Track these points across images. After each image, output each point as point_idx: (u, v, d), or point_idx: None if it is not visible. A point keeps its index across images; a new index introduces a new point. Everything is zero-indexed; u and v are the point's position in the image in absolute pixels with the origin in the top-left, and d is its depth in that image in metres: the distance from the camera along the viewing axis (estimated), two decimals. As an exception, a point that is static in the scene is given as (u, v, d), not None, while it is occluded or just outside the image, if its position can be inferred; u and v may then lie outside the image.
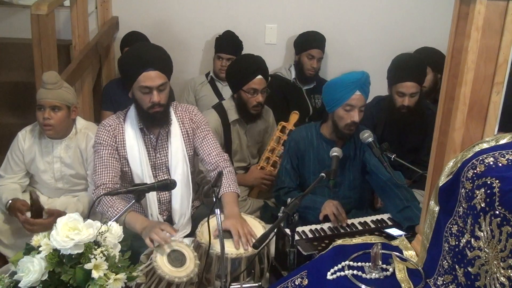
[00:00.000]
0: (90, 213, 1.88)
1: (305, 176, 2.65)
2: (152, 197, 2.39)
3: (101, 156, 2.33)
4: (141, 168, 2.37)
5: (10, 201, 2.53)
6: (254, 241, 2.02)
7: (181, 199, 2.41)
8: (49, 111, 2.52)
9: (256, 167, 3.07)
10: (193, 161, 2.54)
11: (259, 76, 2.87)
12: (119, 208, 2.14)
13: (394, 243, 1.93)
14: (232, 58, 3.47)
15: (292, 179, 2.65)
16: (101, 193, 2.19)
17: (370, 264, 1.72)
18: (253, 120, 3.02)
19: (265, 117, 3.15)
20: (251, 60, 2.95)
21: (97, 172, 2.30)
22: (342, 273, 1.71)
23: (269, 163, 3.05)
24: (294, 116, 3.09)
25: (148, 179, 2.37)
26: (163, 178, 2.38)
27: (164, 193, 2.42)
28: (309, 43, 3.56)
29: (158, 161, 2.43)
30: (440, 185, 1.64)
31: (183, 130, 2.45)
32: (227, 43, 3.57)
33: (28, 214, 2.49)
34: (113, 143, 2.35)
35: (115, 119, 2.42)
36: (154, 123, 2.38)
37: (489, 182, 1.42)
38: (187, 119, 2.47)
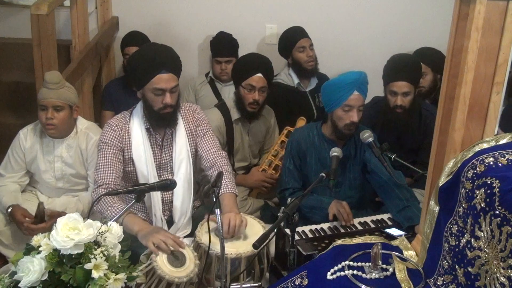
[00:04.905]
0: (90, 213, 1.88)
1: (307, 176, 2.64)
2: (156, 197, 2.39)
3: (105, 156, 2.33)
4: (146, 167, 2.38)
5: (11, 208, 2.52)
6: (239, 233, 2.12)
7: (183, 198, 2.42)
8: (51, 111, 2.51)
9: (258, 169, 3.06)
10: (195, 160, 2.54)
11: (259, 74, 2.89)
12: (119, 209, 2.13)
13: (394, 243, 1.93)
14: (231, 59, 3.45)
15: (296, 180, 2.64)
16: (102, 193, 2.19)
17: (370, 264, 1.72)
18: (252, 119, 3.02)
19: (267, 118, 3.15)
20: (255, 58, 3.00)
21: (100, 171, 2.30)
22: (342, 273, 1.71)
23: (271, 166, 3.04)
24: (301, 122, 3.07)
25: (153, 178, 2.37)
26: (164, 179, 2.38)
27: (167, 192, 2.43)
28: (293, 37, 3.45)
29: (163, 161, 2.44)
30: (440, 185, 1.64)
31: (187, 129, 2.47)
32: (223, 46, 3.52)
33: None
34: (119, 144, 2.36)
35: (121, 118, 2.42)
36: (162, 123, 2.39)
37: (489, 182, 1.42)
38: (191, 117, 2.50)
